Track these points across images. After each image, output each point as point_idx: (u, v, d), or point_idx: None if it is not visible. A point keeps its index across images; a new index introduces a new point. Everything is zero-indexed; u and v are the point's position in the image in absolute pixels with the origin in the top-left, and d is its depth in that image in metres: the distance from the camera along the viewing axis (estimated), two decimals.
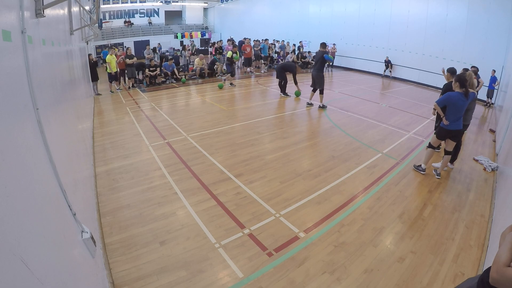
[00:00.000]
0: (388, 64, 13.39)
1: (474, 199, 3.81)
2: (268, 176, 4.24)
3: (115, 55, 10.26)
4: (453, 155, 4.55)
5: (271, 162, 4.67)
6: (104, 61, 14.78)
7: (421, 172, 4.39)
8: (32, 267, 0.90)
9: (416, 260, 2.71)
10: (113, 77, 10.14)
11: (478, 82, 7.00)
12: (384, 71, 13.76)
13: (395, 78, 13.48)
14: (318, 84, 7.76)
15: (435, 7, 11.35)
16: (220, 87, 10.49)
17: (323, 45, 7.68)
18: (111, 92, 10.06)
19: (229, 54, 11.07)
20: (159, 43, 19.36)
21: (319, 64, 7.64)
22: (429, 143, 4.37)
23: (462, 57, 10.38)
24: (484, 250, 2.85)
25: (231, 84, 11.02)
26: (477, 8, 9.97)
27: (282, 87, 9.30)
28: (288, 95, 9.30)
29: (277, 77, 9.30)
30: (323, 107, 7.90)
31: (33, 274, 0.89)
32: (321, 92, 7.83)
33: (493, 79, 9.05)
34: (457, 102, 3.85)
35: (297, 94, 9.20)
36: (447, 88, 4.61)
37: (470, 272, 2.57)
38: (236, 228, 3.11)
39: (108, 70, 9.99)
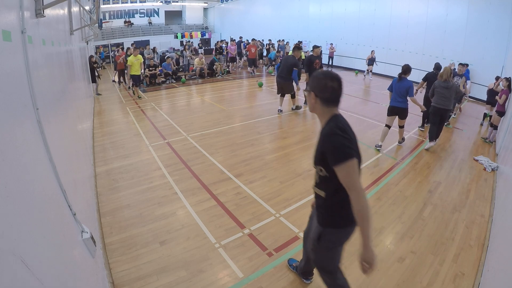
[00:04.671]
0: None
1: (474, 199, 3.81)
2: (268, 176, 4.24)
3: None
4: (435, 133, 5.23)
5: (271, 162, 4.67)
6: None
7: (377, 148, 5.18)
8: (32, 267, 0.89)
9: (416, 260, 2.71)
10: (137, 80, 9.23)
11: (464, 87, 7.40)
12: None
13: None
14: (288, 90, 7.22)
15: (435, 8, 11.34)
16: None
17: (298, 48, 7.06)
18: (139, 97, 9.16)
19: (302, 55, 10.38)
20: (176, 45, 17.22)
21: (286, 71, 6.82)
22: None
23: (462, 57, 10.35)
24: (484, 250, 2.85)
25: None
26: (477, 8, 9.96)
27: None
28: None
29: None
30: (296, 108, 7.57)
31: (33, 274, 0.89)
32: (293, 96, 7.42)
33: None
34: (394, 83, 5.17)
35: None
36: (427, 76, 6.48)
37: (470, 272, 2.57)
38: (236, 228, 3.11)
39: (132, 72, 8.99)
